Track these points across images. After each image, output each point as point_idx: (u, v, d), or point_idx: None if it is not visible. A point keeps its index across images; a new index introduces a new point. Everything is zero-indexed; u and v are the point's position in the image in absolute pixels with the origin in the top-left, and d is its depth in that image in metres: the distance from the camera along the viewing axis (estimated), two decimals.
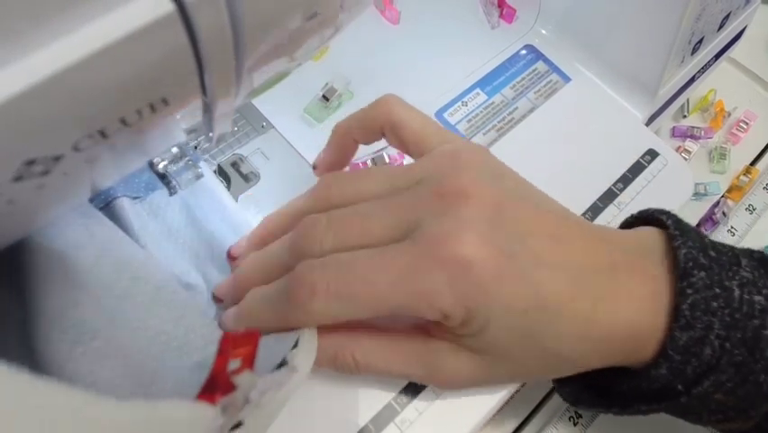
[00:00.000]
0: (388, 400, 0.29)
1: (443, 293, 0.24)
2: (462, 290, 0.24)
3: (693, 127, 0.48)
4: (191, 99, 0.19)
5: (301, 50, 0.23)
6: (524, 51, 0.42)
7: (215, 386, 0.18)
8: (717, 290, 0.25)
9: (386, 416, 0.29)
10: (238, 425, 0.19)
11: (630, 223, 0.31)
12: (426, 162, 0.27)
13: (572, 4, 0.40)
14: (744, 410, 0.26)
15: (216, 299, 0.30)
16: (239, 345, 0.18)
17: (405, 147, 0.29)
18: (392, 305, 0.24)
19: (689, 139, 0.47)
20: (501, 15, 0.43)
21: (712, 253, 0.26)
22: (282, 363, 0.23)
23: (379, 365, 0.27)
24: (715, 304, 0.25)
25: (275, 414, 0.22)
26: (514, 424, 0.36)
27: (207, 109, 0.21)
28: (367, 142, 0.30)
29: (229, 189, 0.34)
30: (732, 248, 0.27)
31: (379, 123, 0.29)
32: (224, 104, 0.21)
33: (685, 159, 0.46)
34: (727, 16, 0.39)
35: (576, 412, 0.36)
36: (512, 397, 0.33)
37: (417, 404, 0.30)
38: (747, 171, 0.46)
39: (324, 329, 0.26)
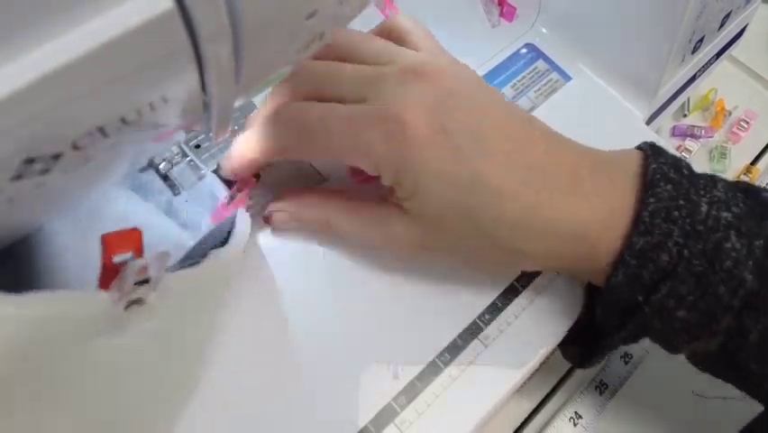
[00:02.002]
0: (388, 400, 0.29)
1: (377, 148, 0.26)
2: (394, 148, 0.26)
3: (694, 126, 0.48)
4: (191, 98, 0.19)
5: (301, 49, 0.23)
6: (524, 50, 0.41)
7: (108, 278, 0.20)
8: (682, 202, 0.26)
9: (386, 416, 0.29)
10: (138, 301, 0.21)
11: None
12: (410, 54, 0.30)
13: (573, 3, 0.40)
14: (706, 325, 0.26)
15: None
16: (122, 243, 0.20)
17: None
18: (337, 150, 0.28)
19: (689, 138, 0.47)
20: (501, 14, 0.43)
21: (685, 172, 0.27)
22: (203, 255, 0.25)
23: (344, 224, 0.30)
24: (677, 213, 0.26)
25: (192, 296, 0.25)
26: (514, 424, 0.36)
27: (207, 108, 0.21)
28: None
29: (229, 189, 0.34)
30: (713, 175, 0.28)
31: (388, 29, 0.32)
32: (223, 102, 0.20)
33: (686, 158, 0.46)
34: (728, 15, 0.39)
35: (576, 413, 0.36)
36: (512, 397, 0.33)
37: (417, 405, 0.30)
38: (748, 170, 0.46)
39: (312, 191, 0.32)
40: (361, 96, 0.28)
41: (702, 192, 0.26)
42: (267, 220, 0.31)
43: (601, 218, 0.27)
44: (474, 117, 0.27)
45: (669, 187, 0.26)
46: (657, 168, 0.27)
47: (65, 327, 0.19)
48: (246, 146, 0.29)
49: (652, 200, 0.26)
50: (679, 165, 0.27)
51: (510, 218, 0.26)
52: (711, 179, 0.27)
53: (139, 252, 0.20)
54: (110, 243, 0.19)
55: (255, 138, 0.29)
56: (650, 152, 0.28)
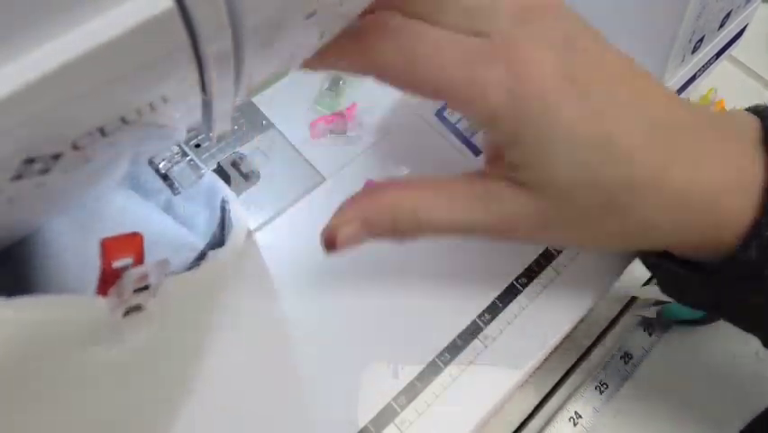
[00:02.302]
0: (388, 400, 0.29)
1: (498, 88, 0.23)
2: (521, 92, 0.22)
3: None
4: (191, 98, 0.19)
5: (301, 48, 0.23)
6: None
7: (107, 284, 0.19)
8: None
9: (386, 416, 0.29)
10: (138, 308, 0.21)
11: None
12: None
13: (572, 3, 0.40)
14: None
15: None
16: (122, 248, 0.19)
17: None
18: (449, 83, 0.23)
19: None
20: None
21: None
22: (200, 258, 0.25)
23: (442, 217, 0.25)
24: None
25: (191, 298, 0.24)
26: (514, 424, 0.36)
27: (207, 107, 0.21)
28: None
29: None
30: None
31: None
32: (223, 102, 0.20)
33: None
34: (728, 15, 0.39)
35: (576, 413, 0.36)
36: (512, 397, 0.33)
37: (417, 405, 0.30)
38: None
39: (379, 189, 0.25)
40: (475, 30, 0.23)
41: None
42: (330, 243, 0.25)
43: (731, 184, 0.24)
44: (601, 65, 0.24)
45: None
46: None
47: (64, 330, 0.19)
48: (336, 48, 0.23)
49: None
50: None
51: (640, 182, 0.23)
52: None
53: (139, 257, 0.19)
54: (109, 248, 0.19)
55: (349, 42, 0.23)
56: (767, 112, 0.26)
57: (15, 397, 0.19)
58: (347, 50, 0.24)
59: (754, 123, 0.26)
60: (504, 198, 0.24)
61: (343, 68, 0.25)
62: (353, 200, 0.26)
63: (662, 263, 0.27)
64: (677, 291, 0.27)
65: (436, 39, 0.23)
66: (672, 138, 0.24)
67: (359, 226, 0.25)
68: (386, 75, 0.24)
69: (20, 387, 0.19)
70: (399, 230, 0.25)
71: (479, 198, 0.25)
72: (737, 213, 0.24)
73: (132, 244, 0.19)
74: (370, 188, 0.26)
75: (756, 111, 0.27)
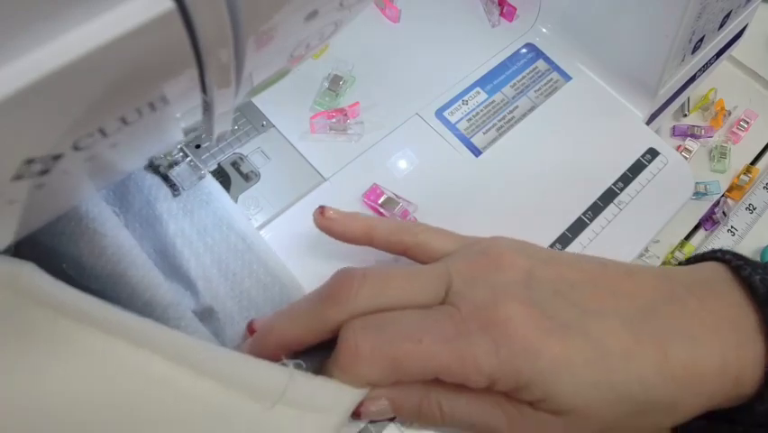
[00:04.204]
0: None
1: (488, 357, 0.24)
2: (508, 352, 0.24)
3: (694, 126, 0.48)
4: (191, 98, 0.19)
5: (301, 49, 0.23)
6: (524, 50, 0.41)
7: None
8: None
9: None
10: None
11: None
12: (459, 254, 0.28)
13: (573, 3, 0.40)
14: None
15: (250, 330, 0.29)
16: None
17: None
18: (438, 367, 0.24)
19: (689, 138, 0.47)
20: (502, 14, 0.43)
21: None
22: None
23: (463, 413, 0.26)
24: None
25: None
26: None
27: (207, 108, 0.21)
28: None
29: (229, 189, 0.34)
30: None
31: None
32: (224, 102, 0.20)
33: (685, 158, 0.46)
34: (728, 15, 0.39)
35: None
36: None
37: None
38: (748, 171, 0.46)
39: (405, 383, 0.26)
40: (436, 300, 0.25)
41: None
42: (355, 414, 0.26)
43: (732, 340, 0.25)
44: (563, 286, 0.25)
45: None
46: (763, 279, 0.25)
47: None
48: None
49: None
50: (766, 267, 0.26)
51: (650, 374, 0.24)
52: None
53: None
54: None
55: (338, 374, 0.25)
56: (737, 259, 0.27)
57: None
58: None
59: (725, 277, 0.26)
60: (526, 416, 0.25)
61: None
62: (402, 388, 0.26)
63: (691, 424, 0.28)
64: None
65: (410, 331, 0.24)
66: (653, 322, 0.25)
67: (387, 403, 0.26)
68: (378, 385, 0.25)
69: None
70: (422, 417, 0.26)
71: (501, 405, 0.25)
72: (751, 370, 0.24)
73: None
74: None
75: (722, 260, 0.27)
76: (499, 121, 0.39)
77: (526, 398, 0.25)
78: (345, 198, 0.35)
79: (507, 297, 0.25)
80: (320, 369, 0.26)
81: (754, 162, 0.48)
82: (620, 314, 0.25)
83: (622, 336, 0.24)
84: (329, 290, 0.26)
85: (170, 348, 0.23)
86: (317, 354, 0.27)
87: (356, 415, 0.26)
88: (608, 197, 0.36)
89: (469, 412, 0.26)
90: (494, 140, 0.38)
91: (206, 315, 0.29)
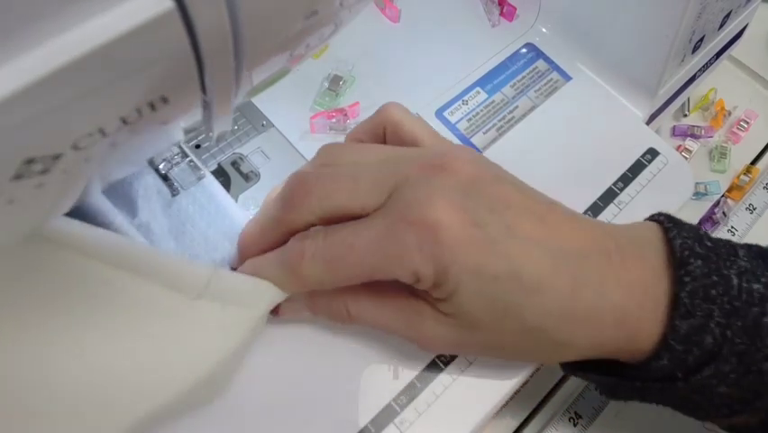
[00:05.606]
0: (388, 400, 0.29)
1: (413, 255, 0.25)
2: (430, 252, 0.25)
3: (694, 126, 0.48)
4: (191, 98, 0.19)
5: (301, 49, 0.23)
6: (524, 50, 0.42)
7: None
8: (716, 278, 0.25)
9: (386, 416, 0.29)
10: None
11: None
12: (417, 149, 0.29)
13: (573, 3, 0.40)
14: (750, 402, 0.26)
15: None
16: None
17: (402, 144, 0.30)
18: (371, 268, 0.26)
19: (689, 138, 0.47)
20: (502, 13, 0.43)
21: (708, 244, 0.26)
22: None
23: (367, 317, 0.28)
24: (714, 292, 0.25)
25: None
26: (514, 425, 0.36)
27: (207, 108, 0.21)
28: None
29: (229, 189, 0.34)
30: (728, 241, 0.28)
31: (381, 124, 0.30)
32: (223, 102, 0.20)
33: (685, 158, 0.46)
34: (728, 15, 0.39)
35: (576, 413, 0.36)
36: (512, 398, 0.33)
37: (417, 405, 0.30)
38: (748, 171, 0.46)
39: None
40: (379, 202, 0.26)
41: (728, 263, 0.26)
42: (274, 311, 0.29)
43: (638, 301, 0.26)
44: (501, 204, 0.26)
45: (699, 263, 0.25)
46: (683, 243, 0.26)
47: None
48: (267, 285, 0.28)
49: (687, 279, 0.25)
50: (700, 237, 0.27)
51: (551, 309, 0.25)
52: (731, 247, 0.27)
53: None
54: None
55: (278, 279, 0.28)
56: (669, 224, 0.27)
57: None
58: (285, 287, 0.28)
59: (655, 231, 0.28)
60: (425, 320, 0.27)
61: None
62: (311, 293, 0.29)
63: (586, 375, 0.30)
64: (609, 393, 0.29)
65: (344, 236, 0.26)
66: (577, 265, 0.26)
67: (300, 304, 0.29)
68: (324, 287, 0.28)
69: None
70: (333, 317, 0.29)
71: (403, 312, 0.28)
72: (648, 327, 0.26)
73: None
74: None
75: (659, 221, 0.28)
76: (499, 121, 0.39)
77: (437, 296, 0.26)
78: None
79: (442, 199, 0.25)
80: None
81: (754, 162, 0.48)
82: (546, 248, 0.26)
83: (540, 266, 0.25)
84: (284, 195, 0.28)
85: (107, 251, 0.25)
86: None
87: (275, 312, 0.29)
88: (608, 197, 0.36)
89: (373, 315, 0.28)
90: (494, 140, 0.38)
91: None
